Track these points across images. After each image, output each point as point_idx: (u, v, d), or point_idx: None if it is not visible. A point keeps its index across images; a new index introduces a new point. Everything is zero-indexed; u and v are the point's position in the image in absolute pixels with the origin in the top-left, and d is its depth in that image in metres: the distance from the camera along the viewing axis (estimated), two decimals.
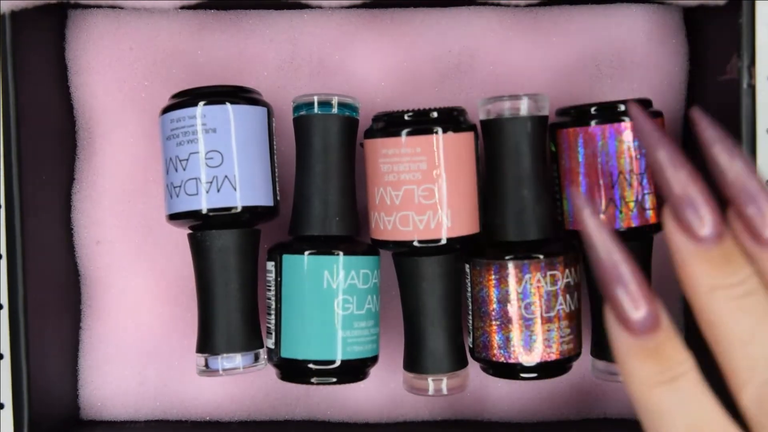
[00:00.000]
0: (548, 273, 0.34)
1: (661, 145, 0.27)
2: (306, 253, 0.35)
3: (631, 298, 0.26)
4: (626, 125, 0.34)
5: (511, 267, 0.35)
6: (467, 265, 0.36)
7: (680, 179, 0.26)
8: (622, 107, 0.35)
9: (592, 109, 0.35)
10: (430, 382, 0.36)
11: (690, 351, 0.27)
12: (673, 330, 0.27)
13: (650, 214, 0.34)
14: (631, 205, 0.34)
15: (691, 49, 0.40)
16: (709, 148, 0.27)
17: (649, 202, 0.34)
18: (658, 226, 0.35)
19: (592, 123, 0.34)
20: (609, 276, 0.26)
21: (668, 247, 0.27)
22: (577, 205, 0.27)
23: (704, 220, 0.26)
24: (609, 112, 0.34)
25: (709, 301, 0.26)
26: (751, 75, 0.34)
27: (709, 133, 0.27)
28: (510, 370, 0.35)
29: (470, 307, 0.36)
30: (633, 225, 0.34)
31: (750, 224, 0.27)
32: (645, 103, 0.35)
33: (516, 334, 0.35)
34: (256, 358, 0.37)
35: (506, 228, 0.35)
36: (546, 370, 0.35)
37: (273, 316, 0.36)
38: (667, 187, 0.27)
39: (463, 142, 0.35)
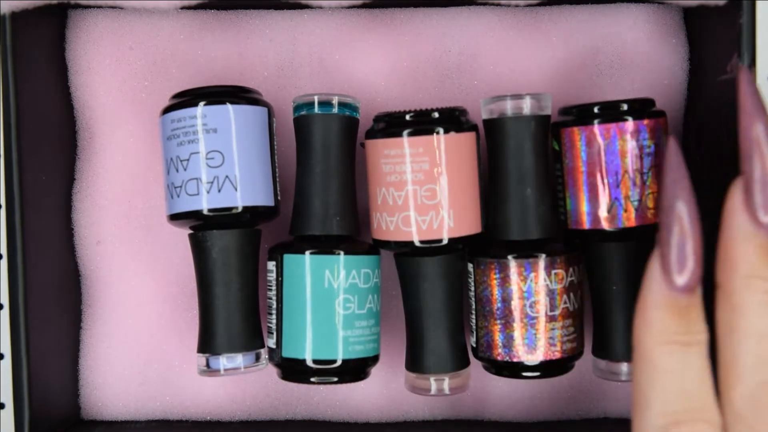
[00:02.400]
0: (552, 272, 0.34)
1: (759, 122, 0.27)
2: (307, 252, 0.35)
3: (687, 254, 0.27)
4: (629, 125, 0.34)
5: (514, 266, 0.35)
6: (471, 265, 0.36)
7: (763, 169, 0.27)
8: (625, 106, 0.35)
9: (595, 108, 0.35)
10: (432, 382, 0.36)
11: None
12: (701, 301, 0.27)
13: (653, 213, 0.34)
14: (635, 204, 0.34)
15: (691, 49, 0.40)
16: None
17: (652, 201, 0.34)
18: None
19: (595, 122, 0.34)
20: (674, 224, 0.27)
21: (723, 221, 0.28)
22: (670, 149, 0.27)
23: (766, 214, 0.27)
24: (612, 111, 0.35)
25: (742, 286, 0.27)
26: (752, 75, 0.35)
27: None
28: (513, 369, 0.35)
29: (474, 307, 0.36)
30: (636, 224, 0.34)
31: None
32: (647, 103, 0.35)
33: (519, 332, 0.35)
34: (258, 357, 0.37)
35: (509, 227, 0.35)
36: (549, 368, 0.35)
37: (274, 316, 0.36)
38: (751, 170, 0.27)
39: (465, 142, 0.35)
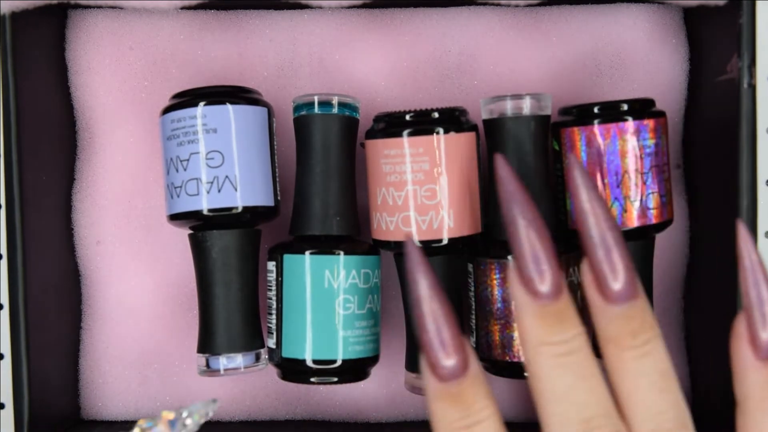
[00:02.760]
0: None
1: (518, 201, 0.27)
2: (307, 252, 0.35)
3: (443, 346, 0.27)
4: (629, 125, 0.34)
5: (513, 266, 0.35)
6: (471, 265, 0.36)
7: (530, 236, 0.27)
8: (625, 106, 0.35)
9: (595, 109, 0.35)
10: None
11: (492, 400, 0.27)
12: (481, 377, 0.28)
13: (653, 213, 0.35)
14: (635, 204, 0.34)
15: (691, 49, 0.40)
16: (577, 194, 0.27)
17: (652, 201, 0.34)
18: (660, 226, 0.35)
19: (595, 122, 0.34)
20: (422, 323, 0.27)
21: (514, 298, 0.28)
22: (407, 250, 0.27)
23: (545, 277, 0.27)
24: (612, 112, 0.35)
25: (535, 355, 0.27)
26: (752, 75, 0.35)
27: (578, 178, 0.27)
28: (513, 369, 0.35)
29: (474, 307, 0.36)
30: (636, 225, 0.34)
31: (600, 278, 0.27)
32: (647, 103, 0.35)
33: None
34: (258, 357, 0.37)
35: None
36: None
37: (274, 316, 0.36)
38: (516, 241, 0.27)
39: (465, 142, 0.35)
